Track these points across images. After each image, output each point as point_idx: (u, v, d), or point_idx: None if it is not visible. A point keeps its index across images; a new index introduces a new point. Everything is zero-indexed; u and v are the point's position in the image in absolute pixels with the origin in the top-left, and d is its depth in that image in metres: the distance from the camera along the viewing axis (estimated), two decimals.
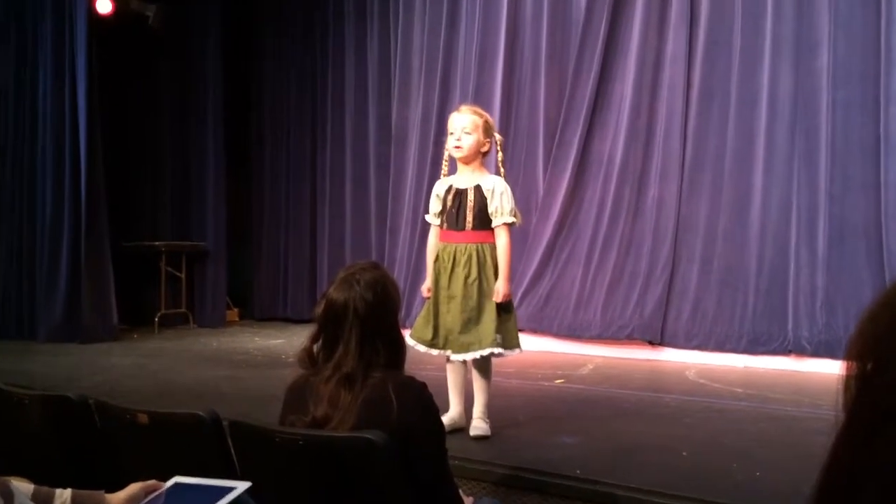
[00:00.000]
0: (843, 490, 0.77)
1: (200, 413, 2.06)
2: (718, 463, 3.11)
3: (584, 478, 2.88)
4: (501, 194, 3.49)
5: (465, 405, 3.57)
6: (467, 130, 3.51)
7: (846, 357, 0.79)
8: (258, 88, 8.71)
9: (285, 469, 1.90)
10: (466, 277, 3.45)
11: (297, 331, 7.21)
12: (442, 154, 3.74)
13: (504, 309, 3.47)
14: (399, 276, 6.83)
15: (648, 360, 5.80)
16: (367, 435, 1.77)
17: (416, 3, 7.39)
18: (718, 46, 5.89)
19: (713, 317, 5.72)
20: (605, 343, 6.04)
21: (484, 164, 3.64)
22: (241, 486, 1.79)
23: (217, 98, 8.10)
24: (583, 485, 2.84)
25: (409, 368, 2.09)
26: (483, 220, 3.49)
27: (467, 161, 3.56)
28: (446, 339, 3.48)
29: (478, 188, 3.51)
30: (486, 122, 3.57)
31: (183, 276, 8.00)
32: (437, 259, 3.55)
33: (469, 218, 3.49)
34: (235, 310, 8.55)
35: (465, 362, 3.52)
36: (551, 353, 6.08)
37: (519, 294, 6.16)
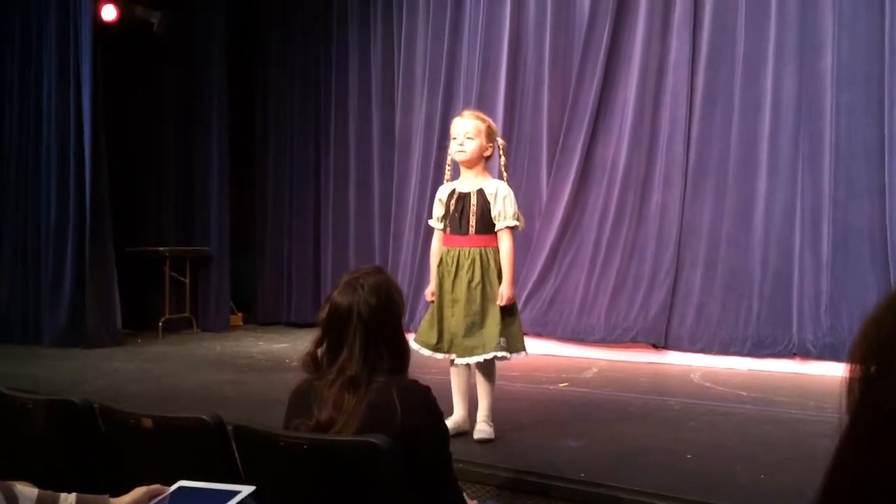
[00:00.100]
0: (847, 493, 0.77)
1: (204, 417, 2.06)
2: (723, 466, 3.10)
3: (589, 481, 2.88)
4: (504, 198, 3.50)
5: (469, 409, 3.56)
6: (470, 135, 3.51)
7: (849, 360, 0.79)
8: (262, 95, 8.73)
9: (289, 473, 1.90)
10: (470, 281, 3.45)
11: (301, 335, 7.22)
12: (445, 159, 3.75)
13: (508, 312, 3.47)
14: (403, 280, 6.83)
15: (652, 364, 5.79)
16: (372, 439, 1.78)
17: (419, 10, 7.40)
18: (721, 51, 5.89)
19: (717, 320, 5.71)
20: (609, 347, 6.04)
21: (487, 169, 3.65)
22: (246, 490, 1.79)
23: (221, 104, 8.12)
24: (587, 488, 2.84)
25: (413, 372, 2.09)
26: (486, 224, 3.50)
27: (470, 166, 3.56)
28: (451, 342, 3.48)
29: (481, 192, 3.51)
30: (489, 126, 3.58)
31: (187, 280, 8.01)
32: (440, 263, 3.56)
33: (472, 222, 3.49)
34: (239, 314, 8.56)
35: (469, 366, 3.52)
36: (555, 356, 6.07)
37: (523, 298, 6.15)
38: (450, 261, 3.51)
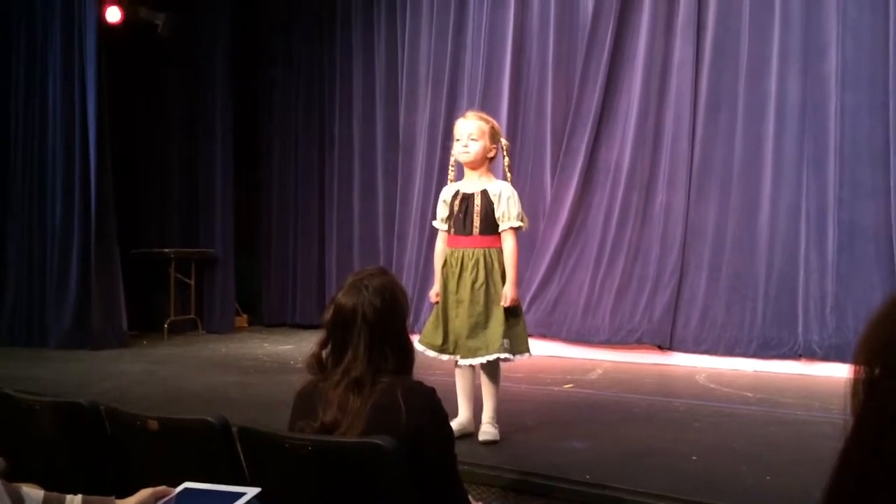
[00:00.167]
0: (852, 494, 0.77)
1: (210, 419, 2.06)
2: (728, 467, 3.10)
3: (594, 483, 2.87)
4: (508, 199, 3.50)
5: (473, 410, 3.56)
6: (474, 137, 3.51)
7: (854, 362, 0.79)
8: (266, 96, 8.74)
9: (294, 474, 1.90)
10: (474, 282, 3.45)
11: (306, 337, 7.22)
12: (449, 160, 3.75)
13: (512, 313, 3.47)
14: (407, 281, 6.84)
15: (657, 365, 5.78)
16: (376, 440, 1.78)
17: (422, 11, 7.41)
18: (725, 52, 5.89)
19: (722, 322, 5.70)
20: (614, 348, 6.04)
21: (491, 170, 3.65)
22: (251, 491, 1.79)
23: (225, 106, 8.13)
24: (592, 489, 2.84)
25: (418, 374, 2.09)
26: (490, 225, 3.50)
27: (474, 167, 3.57)
28: (455, 344, 3.48)
29: (484, 193, 3.52)
30: (493, 127, 3.58)
31: (192, 282, 8.02)
32: (444, 264, 3.56)
33: (476, 223, 3.50)
34: (244, 316, 8.57)
35: (473, 367, 3.52)
36: (560, 358, 6.07)
37: (527, 299, 6.15)
38: (454, 262, 3.52)
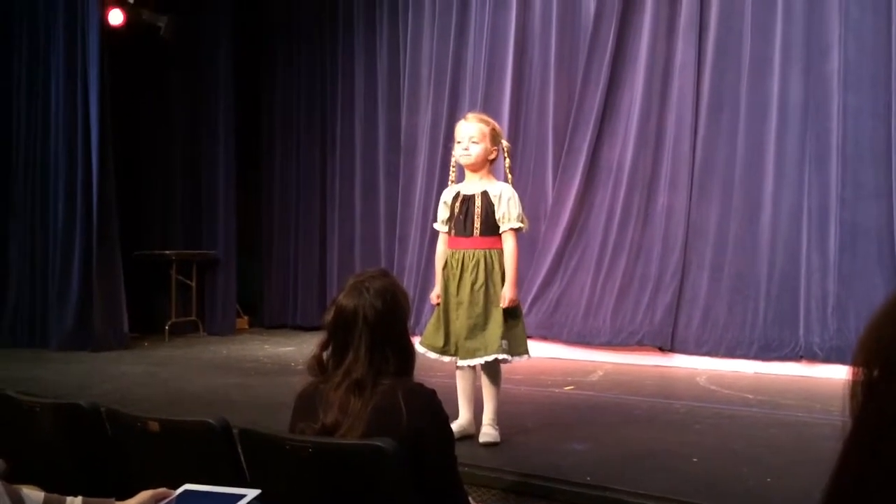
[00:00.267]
0: (852, 497, 0.77)
1: (210, 421, 2.06)
2: (729, 469, 3.10)
3: (594, 484, 2.87)
4: (509, 200, 3.50)
5: (474, 412, 3.56)
6: (475, 139, 3.52)
7: (853, 364, 0.79)
8: (268, 98, 8.75)
9: (295, 476, 1.90)
10: (473, 283, 3.45)
11: (307, 338, 7.22)
12: (451, 161, 3.76)
13: (511, 315, 3.47)
14: (408, 283, 6.84)
15: (658, 367, 5.78)
16: (377, 442, 1.78)
17: (425, 12, 7.41)
18: (728, 53, 5.88)
19: (724, 323, 5.70)
20: (615, 349, 6.03)
21: (492, 171, 3.65)
22: (251, 493, 1.79)
23: (227, 107, 8.14)
24: (592, 491, 2.84)
25: (419, 376, 2.09)
26: (490, 226, 3.50)
27: (475, 169, 3.57)
28: (456, 345, 3.48)
29: (485, 194, 3.52)
30: (494, 129, 3.58)
31: (193, 284, 8.03)
32: (445, 266, 3.56)
33: (477, 224, 3.50)
34: (245, 318, 8.58)
35: (474, 369, 3.52)
36: (561, 359, 6.07)
37: (528, 301, 6.15)
38: (455, 263, 3.52)
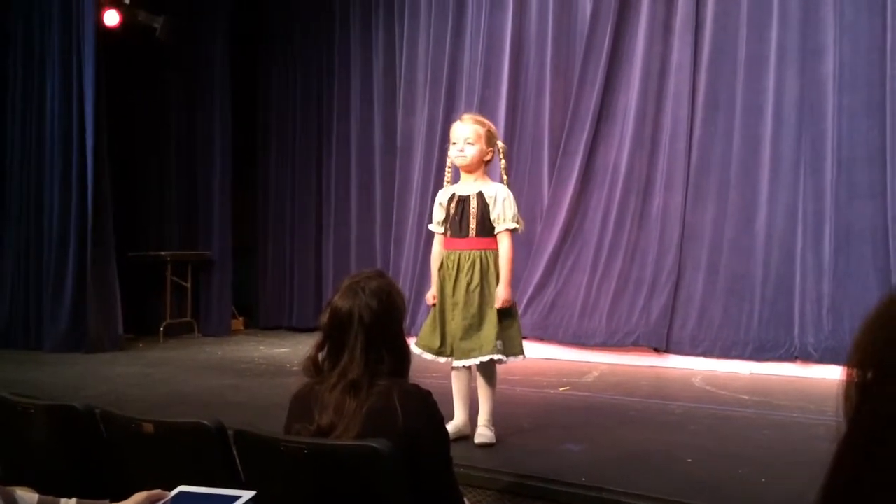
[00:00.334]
0: (846, 498, 0.77)
1: (205, 422, 2.06)
2: (724, 470, 3.10)
3: (590, 485, 2.87)
4: (504, 201, 3.50)
5: (470, 413, 3.56)
6: (470, 141, 3.52)
7: (847, 365, 0.79)
8: (264, 99, 8.75)
9: (290, 478, 1.90)
10: (468, 284, 3.46)
11: (302, 339, 7.21)
12: (446, 162, 3.76)
13: (506, 315, 3.47)
14: (404, 284, 6.83)
15: (654, 368, 5.78)
16: (372, 443, 1.77)
17: (421, 14, 7.41)
18: (723, 54, 5.90)
19: (719, 324, 5.71)
20: (611, 350, 6.04)
21: (487, 172, 3.65)
22: (246, 495, 1.79)
23: (223, 108, 8.13)
24: (588, 492, 2.84)
25: (414, 377, 2.09)
26: (486, 227, 3.50)
27: (471, 170, 3.57)
28: (452, 346, 3.48)
29: (480, 195, 3.52)
30: (489, 130, 3.58)
31: (188, 285, 8.02)
32: (441, 266, 3.56)
33: (472, 225, 3.50)
34: (240, 319, 8.57)
35: (469, 370, 3.52)
36: (556, 360, 6.07)
37: (524, 302, 6.15)
38: (450, 264, 3.52)
